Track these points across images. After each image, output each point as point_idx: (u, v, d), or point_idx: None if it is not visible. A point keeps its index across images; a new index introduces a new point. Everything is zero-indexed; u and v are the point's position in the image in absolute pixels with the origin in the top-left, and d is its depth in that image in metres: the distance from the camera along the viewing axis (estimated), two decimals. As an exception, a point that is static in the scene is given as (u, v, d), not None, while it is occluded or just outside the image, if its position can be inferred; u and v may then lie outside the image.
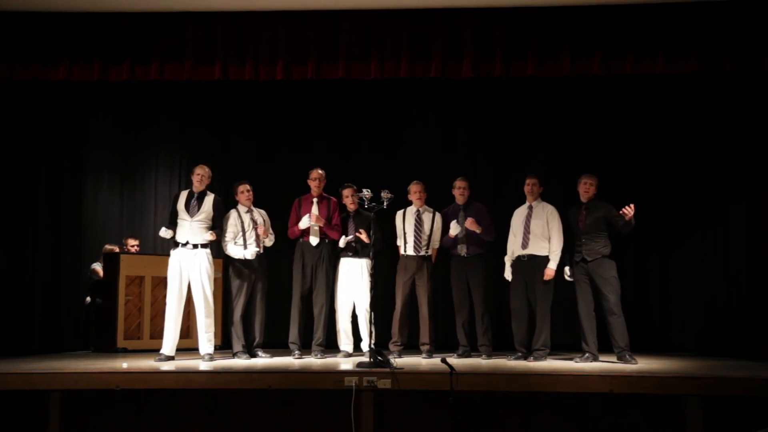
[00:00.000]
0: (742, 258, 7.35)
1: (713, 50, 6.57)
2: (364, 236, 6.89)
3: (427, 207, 7.24)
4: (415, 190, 7.18)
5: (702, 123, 8.02)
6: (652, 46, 6.62)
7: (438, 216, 7.22)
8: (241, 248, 6.95)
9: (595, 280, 6.53)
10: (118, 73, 6.91)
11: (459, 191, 7.16)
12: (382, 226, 7.12)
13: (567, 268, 6.76)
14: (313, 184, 7.14)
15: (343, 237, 7.14)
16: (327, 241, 7.09)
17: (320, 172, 7.16)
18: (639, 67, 6.66)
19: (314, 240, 7.03)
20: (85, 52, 6.90)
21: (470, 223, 6.94)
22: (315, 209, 7.06)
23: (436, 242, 7.18)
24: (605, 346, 6.61)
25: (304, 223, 6.99)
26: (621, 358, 6.39)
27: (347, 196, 7.19)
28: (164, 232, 6.79)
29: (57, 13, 6.90)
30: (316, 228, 7.02)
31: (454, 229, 7.04)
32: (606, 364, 6.38)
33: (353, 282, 7.10)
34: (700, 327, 7.94)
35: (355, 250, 7.10)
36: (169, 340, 6.79)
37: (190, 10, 6.89)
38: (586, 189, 6.68)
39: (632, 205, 6.38)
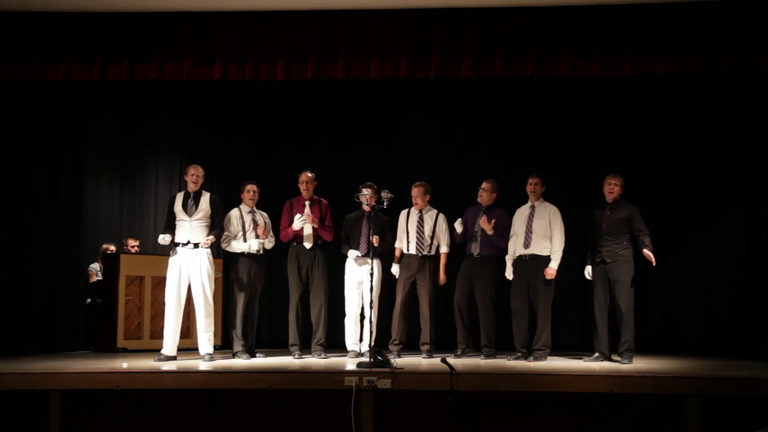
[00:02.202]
0: (742, 258, 7.35)
1: (713, 50, 6.57)
2: (376, 241, 6.84)
3: (430, 207, 7.23)
4: (413, 195, 7.17)
5: (702, 123, 8.03)
6: (652, 46, 6.62)
7: (441, 216, 7.21)
8: (242, 242, 6.95)
9: (611, 281, 6.54)
10: (118, 72, 6.90)
11: (479, 192, 7.11)
12: (393, 229, 7.17)
13: (589, 268, 6.75)
14: (302, 187, 7.12)
15: (351, 251, 7.13)
16: (320, 242, 7.09)
17: (309, 175, 7.14)
18: (639, 67, 6.66)
19: (308, 243, 7.02)
20: (85, 52, 6.90)
21: (483, 221, 6.92)
22: (308, 211, 7.05)
23: (444, 246, 7.15)
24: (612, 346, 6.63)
25: (297, 223, 6.98)
26: (620, 355, 6.44)
27: (370, 195, 7.15)
28: (162, 239, 6.76)
29: (57, 13, 6.89)
30: (310, 231, 7.01)
31: (459, 226, 7.04)
32: (606, 363, 6.40)
33: (362, 282, 7.10)
34: (700, 327, 7.94)
35: (366, 251, 7.10)
36: (169, 340, 6.79)
37: (190, 10, 6.89)
38: (610, 189, 6.66)
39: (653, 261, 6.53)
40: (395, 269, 7.22)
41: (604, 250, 6.57)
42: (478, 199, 7.14)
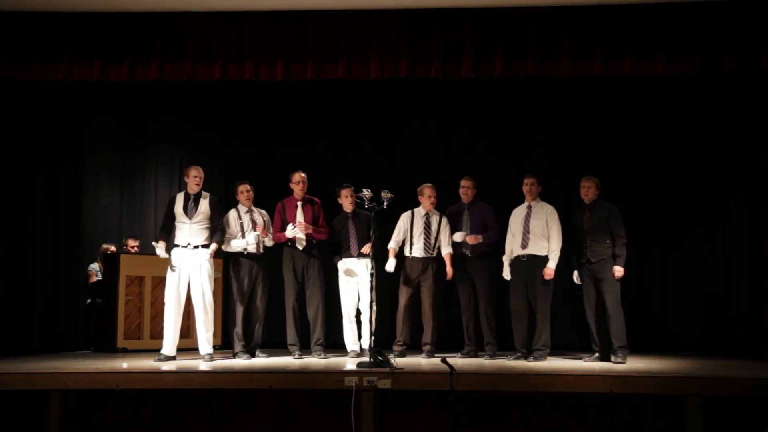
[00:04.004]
0: (742, 258, 7.35)
1: (713, 50, 6.56)
2: (367, 249, 6.85)
3: (434, 210, 7.23)
4: (429, 194, 7.15)
5: (702, 123, 8.03)
6: (652, 46, 6.61)
7: (444, 219, 7.20)
8: (240, 239, 6.95)
9: (598, 280, 6.57)
10: (118, 72, 6.90)
11: (464, 190, 7.16)
12: (380, 226, 7.14)
13: (575, 272, 6.78)
14: (297, 188, 7.12)
15: (340, 262, 7.14)
16: (314, 242, 7.09)
17: (302, 175, 7.14)
18: (639, 67, 6.66)
19: (301, 244, 7.02)
20: (85, 52, 6.89)
21: (472, 239, 6.95)
22: (300, 214, 7.05)
23: (447, 247, 7.13)
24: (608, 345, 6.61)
25: (290, 233, 6.98)
26: (614, 354, 6.44)
27: (346, 197, 7.17)
28: (160, 251, 6.75)
29: (57, 13, 6.89)
30: (301, 235, 7.00)
31: (459, 236, 7.03)
32: (606, 363, 6.40)
33: (356, 282, 7.10)
34: (700, 327, 7.95)
35: (358, 251, 7.11)
36: (169, 340, 6.79)
37: (190, 10, 6.88)
38: (585, 192, 6.75)
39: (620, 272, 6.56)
40: (390, 265, 7.17)
41: (588, 250, 6.62)
42: (463, 198, 7.16)
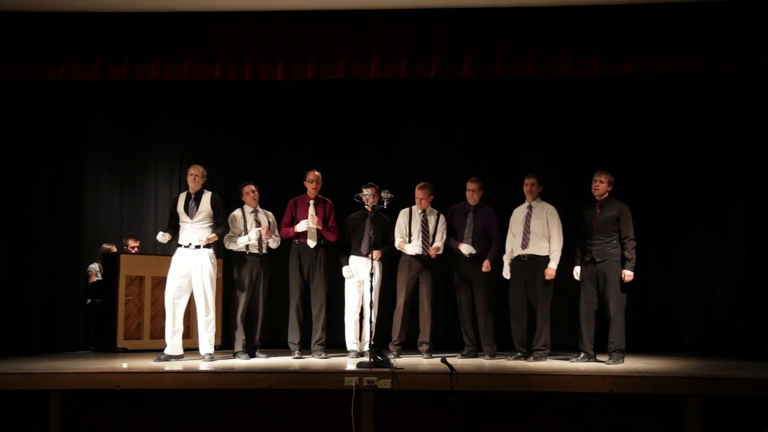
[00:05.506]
0: (742, 258, 7.36)
1: (713, 50, 6.56)
2: (377, 256, 6.86)
3: (432, 208, 7.23)
4: (420, 197, 7.12)
5: (702, 123, 8.03)
6: (652, 46, 6.61)
7: (442, 217, 7.20)
8: (242, 237, 6.94)
9: (601, 281, 6.48)
10: (118, 73, 6.90)
11: (470, 193, 7.12)
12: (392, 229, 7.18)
13: (577, 268, 6.71)
14: (310, 186, 7.13)
15: (345, 268, 7.16)
16: (323, 242, 7.09)
17: (317, 173, 7.15)
18: (639, 67, 6.65)
19: (311, 242, 7.03)
20: (85, 52, 6.90)
21: (486, 267, 6.95)
22: (312, 211, 7.05)
23: (439, 242, 7.16)
24: (603, 347, 6.58)
25: (302, 226, 6.98)
26: (610, 357, 6.38)
27: (372, 195, 7.14)
28: (162, 236, 6.74)
29: (57, 13, 6.89)
30: (314, 230, 7.01)
31: (466, 249, 7.01)
32: (602, 365, 6.39)
33: (361, 283, 7.09)
34: (700, 327, 7.95)
35: (368, 251, 7.11)
36: (170, 340, 6.77)
37: (190, 10, 6.89)
38: (596, 186, 6.59)
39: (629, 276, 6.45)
40: (412, 248, 7.11)
41: (593, 249, 6.50)
42: (470, 200, 7.14)
